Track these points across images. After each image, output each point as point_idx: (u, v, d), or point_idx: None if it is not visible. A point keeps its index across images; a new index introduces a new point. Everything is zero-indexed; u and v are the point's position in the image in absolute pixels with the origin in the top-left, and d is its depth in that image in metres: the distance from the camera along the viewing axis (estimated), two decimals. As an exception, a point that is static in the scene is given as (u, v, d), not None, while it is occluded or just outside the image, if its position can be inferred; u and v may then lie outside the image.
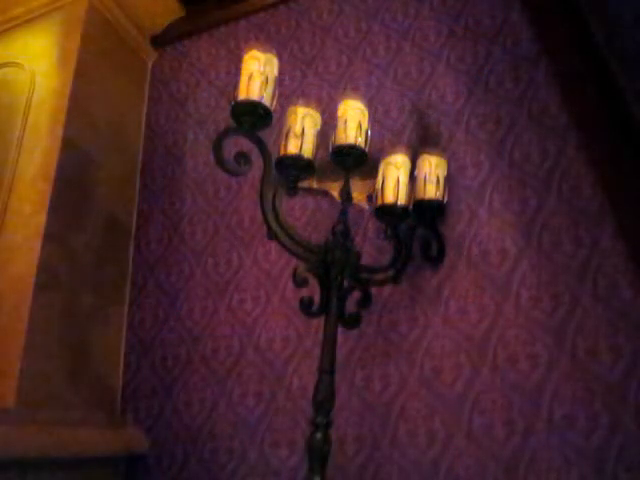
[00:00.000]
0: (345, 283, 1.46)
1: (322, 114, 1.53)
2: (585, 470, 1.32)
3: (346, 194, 1.52)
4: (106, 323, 2.00)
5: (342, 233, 1.48)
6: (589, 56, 1.65)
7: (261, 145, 1.41)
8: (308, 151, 1.45)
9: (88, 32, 2.20)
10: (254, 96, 1.36)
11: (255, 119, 1.38)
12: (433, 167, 1.58)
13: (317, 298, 1.45)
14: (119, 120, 2.30)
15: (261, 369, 1.78)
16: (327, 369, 1.35)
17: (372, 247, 1.76)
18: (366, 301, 1.53)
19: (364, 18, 2.17)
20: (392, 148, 1.62)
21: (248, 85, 1.37)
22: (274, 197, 1.44)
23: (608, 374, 1.37)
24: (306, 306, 1.43)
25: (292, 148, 1.44)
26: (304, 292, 1.46)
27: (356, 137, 1.46)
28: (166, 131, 2.39)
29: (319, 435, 1.27)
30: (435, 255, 1.64)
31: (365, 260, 1.61)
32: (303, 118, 1.47)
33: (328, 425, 1.29)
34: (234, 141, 1.40)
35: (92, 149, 2.10)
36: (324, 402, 1.31)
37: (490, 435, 1.44)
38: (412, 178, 1.58)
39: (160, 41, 2.57)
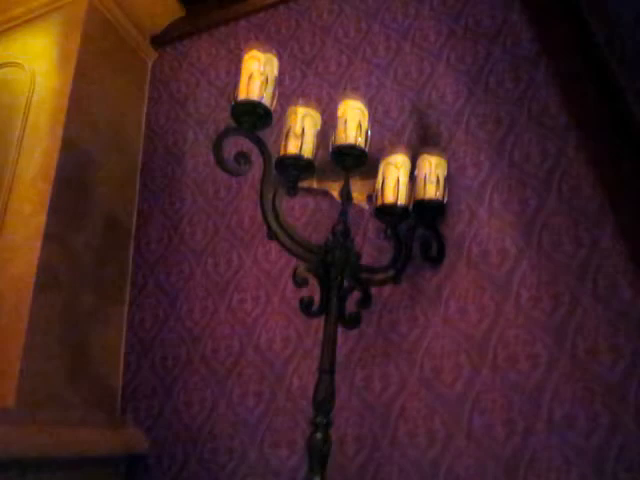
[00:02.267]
0: (345, 283, 1.46)
1: (322, 114, 1.53)
2: (585, 470, 1.32)
3: (346, 194, 1.52)
4: (106, 323, 2.00)
5: (342, 233, 1.48)
6: (589, 56, 1.65)
7: (261, 145, 1.41)
8: (308, 151, 1.45)
9: (88, 32, 2.20)
10: (254, 96, 1.36)
11: (255, 119, 1.38)
12: (433, 167, 1.58)
13: (317, 298, 1.45)
14: (119, 120, 2.30)
15: (261, 369, 1.78)
16: (327, 369, 1.35)
17: (372, 247, 1.76)
18: (366, 301, 1.53)
19: (364, 18, 2.17)
20: (392, 148, 1.62)
21: (248, 85, 1.37)
22: (274, 197, 1.44)
23: (608, 374, 1.37)
24: (306, 306, 1.43)
25: (292, 148, 1.44)
26: (304, 292, 1.46)
27: (356, 137, 1.46)
28: (166, 131, 2.39)
29: (319, 435, 1.27)
30: (435, 255, 1.64)
31: (365, 260, 1.61)
32: (303, 118, 1.47)
33: (328, 425, 1.29)
34: (234, 141, 1.40)
35: (92, 149, 2.10)
36: (324, 402, 1.31)
37: (490, 435, 1.44)
38: (412, 178, 1.58)
39: (160, 41, 2.57)
